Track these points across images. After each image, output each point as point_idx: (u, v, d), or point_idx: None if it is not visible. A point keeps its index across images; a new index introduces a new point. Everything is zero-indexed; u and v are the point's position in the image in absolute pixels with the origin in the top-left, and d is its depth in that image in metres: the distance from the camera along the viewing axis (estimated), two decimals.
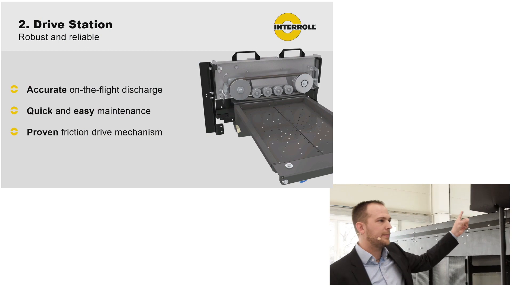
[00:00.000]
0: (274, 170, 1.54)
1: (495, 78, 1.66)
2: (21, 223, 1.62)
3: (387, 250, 1.10)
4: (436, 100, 1.68)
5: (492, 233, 1.44)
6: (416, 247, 2.00)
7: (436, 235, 1.82)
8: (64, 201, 1.64)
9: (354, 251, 1.09)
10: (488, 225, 1.45)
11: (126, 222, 1.64)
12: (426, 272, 1.87)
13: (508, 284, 1.36)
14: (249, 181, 1.83)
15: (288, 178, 1.46)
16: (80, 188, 1.67)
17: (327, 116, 2.28)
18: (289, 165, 1.54)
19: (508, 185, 1.42)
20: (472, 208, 1.54)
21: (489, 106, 1.66)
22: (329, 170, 1.57)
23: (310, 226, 1.63)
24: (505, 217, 1.37)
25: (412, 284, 1.10)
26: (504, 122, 1.65)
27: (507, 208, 1.40)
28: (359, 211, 1.12)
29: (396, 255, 1.11)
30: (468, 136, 1.66)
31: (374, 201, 1.11)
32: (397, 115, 1.69)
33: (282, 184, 1.47)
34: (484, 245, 1.45)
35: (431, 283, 1.82)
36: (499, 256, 1.36)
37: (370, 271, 1.05)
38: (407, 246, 2.12)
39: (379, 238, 1.05)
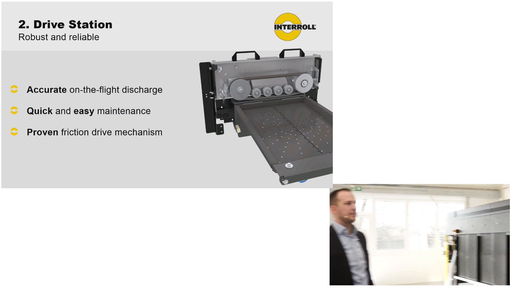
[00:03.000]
0: (274, 170, 1.54)
1: (495, 77, 1.66)
2: (21, 223, 1.62)
3: (356, 229, 1.43)
4: (436, 100, 1.68)
5: None
6: (492, 223, 1.96)
7: None
8: (64, 201, 1.64)
9: (331, 225, 1.43)
10: None
11: (126, 222, 1.64)
12: (503, 247, 1.83)
13: None
14: (249, 181, 1.83)
15: (288, 178, 1.46)
16: (80, 188, 1.67)
17: (327, 116, 2.28)
18: (289, 165, 1.54)
19: None
20: None
21: (489, 105, 1.66)
22: (329, 170, 1.57)
23: (310, 226, 1.63)
24: None
25: (368, 258, 1.43)
26: (505, 121, 1.65)
27: None
28: (332, 197, 1.45)
29: (363, 239, 1.45)
30: (468, 136, 1.67)
31: (343, 189, 1.45)
32: (397, 115, 1.69)
33: (282, 184, 1.47)
34: None
35: (509, 258, 1.79)
36: None
37: (343, 240, 1.38)
38: (482, 222, 2.06)
39: (346, 216, 1.39)
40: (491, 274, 1.92)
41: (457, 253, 2.31)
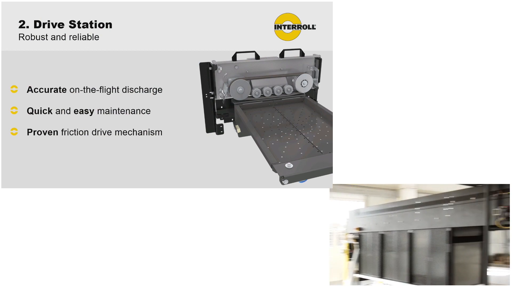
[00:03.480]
0: (274, 170, 1.54)
1: (495, 77, 1.66)
2: (21, 223, 1.62)
3: None
4: (436, 100, 1.68)
5: (476, 206, 1.54)
6: (395, 221, 2.03)
7: (419, 208, 1.88)
8: (64, 201, 1.64)
9: None
10: (474, 197, 1.55)
11: (126, 222, 1.64)
12: (405, 244, 1.90)
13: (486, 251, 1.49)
14: (249, 181, 1.83)
15: (288, 178, 1.46)
16: (80, 188, 1.67)
17: (327, 116, 2.28)
18: (289, 165, 1.54)
19: None
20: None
21: (489, 105, 1.66)
22: (329, 170, 1.57)
23: (310, 226, 1.63)
24: (492, 191, 1.50)
25: None
26: (504, 121, 1.65)
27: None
28: None
29: None
30: (468, 136, 1.66)
31: None
32: (397, 115, 1.69)
33: (282, 184, 1.47)
34: (467, 217, 1.56)
35: (410, 254, 1.86)
36: (481, 227, 1.52)
37: None
38: (385, 220, 2.13)
39: None
40: (393, 270, 1.98)
41: (359, 251, 2.31)
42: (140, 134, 1.84)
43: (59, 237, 1.62)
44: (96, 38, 1.78)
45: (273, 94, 2.57)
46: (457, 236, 1.63)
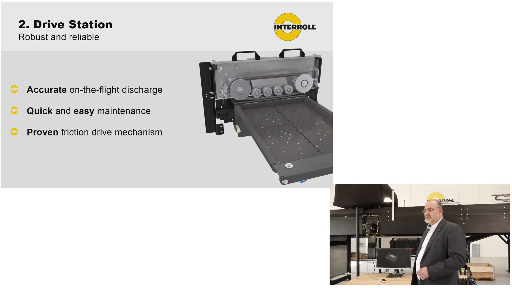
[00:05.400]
0: (274, 170, 1.54)
1: (495, 78, 1.66)
2: (21, 223, 1.62)
3: None
4: (435, 100, 1.68)
5: (348, 221, 2.29)
6: None
7: None
8: (64, 201, 1.64)
9: None
10: (346, 216, 2.30)
11: (126, 222, 1.64)
12: None
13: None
14: (249, 181, 1.83)
15: (288, 178, 1.46)
16: (80, 188, 1.68)
17: (327, 116, 2.28)
18: (289, 165, 1.54)
19: (364, 189, 2.15)
20: (336, 204, 2.33)
21: (488, 105, 1.66)
22: (329, 170, 1.57)
23: (310, 226, 1.63)
24: (360, 213, 2.23)
25: None
26: (503, 122, 1.66)
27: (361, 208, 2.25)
28: None
29: None
30: (467, 136, 1.67)
31: None
32: (397, 115, 1.69)
33: (282, 184, 1.47)
34: (341, 228, 2.31)
35: None
36: (348, 235, 2.32)
37: None
38: None
39: None
40: None
41: None
42: (140, 134, 1.84)
43: (59, 237, 1.62)
44: (96, 38, 1.79)
45: (273, 94, 2.57)
46: (332, 241, 2.27)
